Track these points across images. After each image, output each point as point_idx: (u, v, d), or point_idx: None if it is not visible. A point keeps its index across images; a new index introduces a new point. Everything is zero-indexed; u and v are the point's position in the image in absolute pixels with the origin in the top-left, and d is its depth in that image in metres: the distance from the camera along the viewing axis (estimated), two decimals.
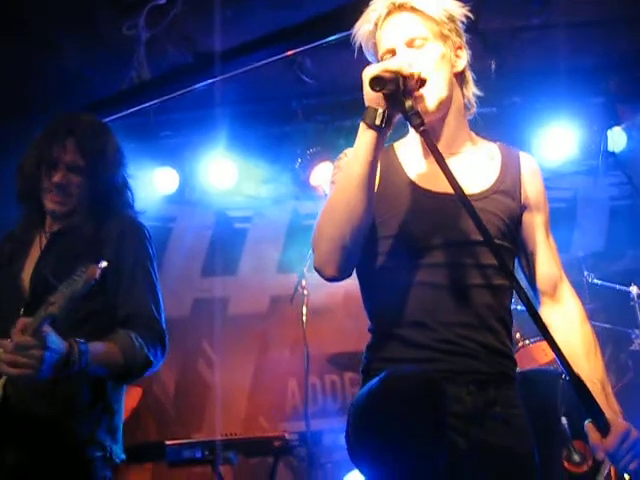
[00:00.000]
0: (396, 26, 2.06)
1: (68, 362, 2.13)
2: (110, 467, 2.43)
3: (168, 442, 4.46)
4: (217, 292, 6.30)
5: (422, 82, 1.97)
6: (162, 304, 2.52)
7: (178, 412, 5.93)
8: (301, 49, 4.18)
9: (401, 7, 2.07)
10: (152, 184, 5.71)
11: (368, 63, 2.16)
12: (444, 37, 2.07)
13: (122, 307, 2.43)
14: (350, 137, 1.94)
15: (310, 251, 1.99)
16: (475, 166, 2.12)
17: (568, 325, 2.12)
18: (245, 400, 6.22)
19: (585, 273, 4.92)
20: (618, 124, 5.85)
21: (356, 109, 1.90)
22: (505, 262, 1.90)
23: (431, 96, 2.01)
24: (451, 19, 2.09)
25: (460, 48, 2.12)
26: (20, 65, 4.26)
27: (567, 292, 2.17)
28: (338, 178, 2.00)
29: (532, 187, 2.16)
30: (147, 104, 4.56)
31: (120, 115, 4.59)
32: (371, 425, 1.75)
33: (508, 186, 2.12)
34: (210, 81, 4.37)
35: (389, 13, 2.08)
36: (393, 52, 2.05)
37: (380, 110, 1.85)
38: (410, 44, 2.04)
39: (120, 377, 2.37)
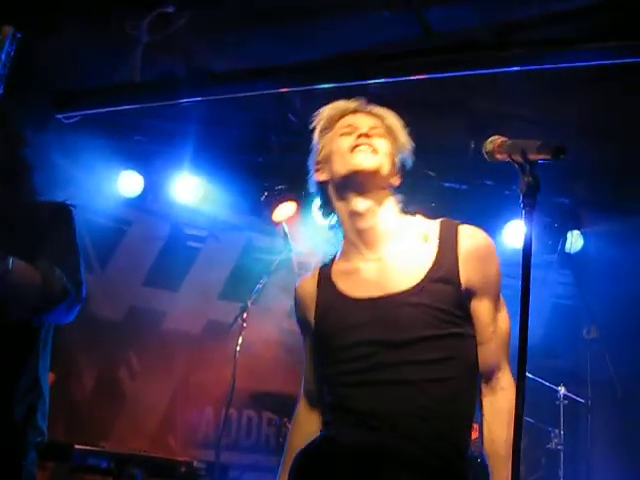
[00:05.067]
0: (361, 117, 2.27)
1: None
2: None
3: (77, 446, 4.36)
4: (155, 304, 6.24)
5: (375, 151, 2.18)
6: (82, 269, 2.38)
7: (90, 415, 5.80)
8: (297, 89, 4.21)
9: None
10: (116, 185, 5.68)
11: None
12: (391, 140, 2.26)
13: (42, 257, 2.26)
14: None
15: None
16: (407, 256, 2.12)
17: (494, 417, 2.09)
18: (159, 418, 6.12)
19: None
20: (578, 228, 6.05)
21: None
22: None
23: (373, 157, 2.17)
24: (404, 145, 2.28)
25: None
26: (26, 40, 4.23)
27: (503, 383, 2.10)
28: None
29: (473, 269, 2.09)
30: (128, 106, 4.53)
31: (100, 110, 4.56)
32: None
33: (444, 272, 2.07)
34: (198, 99, 4.37)
35: (354, 112, 2.28)
36: (353, 128, 2.22)
37: None
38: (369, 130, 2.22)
39: (39, 299, 2.19)
